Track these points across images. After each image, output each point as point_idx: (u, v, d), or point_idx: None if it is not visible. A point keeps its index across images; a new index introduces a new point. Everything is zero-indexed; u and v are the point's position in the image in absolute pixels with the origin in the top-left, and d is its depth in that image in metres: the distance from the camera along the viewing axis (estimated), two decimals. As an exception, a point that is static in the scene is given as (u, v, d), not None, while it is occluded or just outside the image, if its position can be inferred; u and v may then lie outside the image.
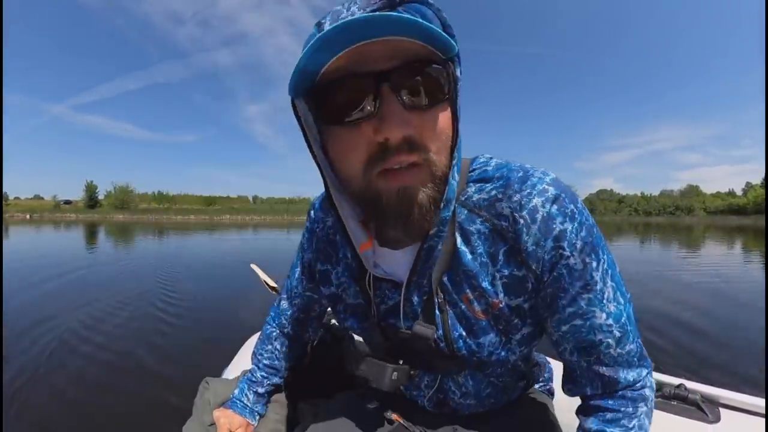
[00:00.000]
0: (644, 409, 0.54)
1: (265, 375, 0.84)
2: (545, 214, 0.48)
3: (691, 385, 1.04)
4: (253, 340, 1.45)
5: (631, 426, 0.53)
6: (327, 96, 0.43)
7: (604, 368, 0.53)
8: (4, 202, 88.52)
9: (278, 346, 0.84)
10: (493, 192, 0.51)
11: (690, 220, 67.33)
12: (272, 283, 1.61)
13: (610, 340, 0.51)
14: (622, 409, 0.53)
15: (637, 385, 0.54)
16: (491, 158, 0.56)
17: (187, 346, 3.27)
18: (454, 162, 0.46)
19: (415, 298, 0.55)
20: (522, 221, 0.48)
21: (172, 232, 21.98)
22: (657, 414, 0.98)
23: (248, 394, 0.84)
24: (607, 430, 0.53)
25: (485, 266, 0.51)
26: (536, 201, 0.48)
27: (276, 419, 1.04)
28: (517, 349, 0.57)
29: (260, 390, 0.84)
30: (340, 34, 0.37)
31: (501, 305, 0.52)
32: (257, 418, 0.84)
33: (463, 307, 0.53)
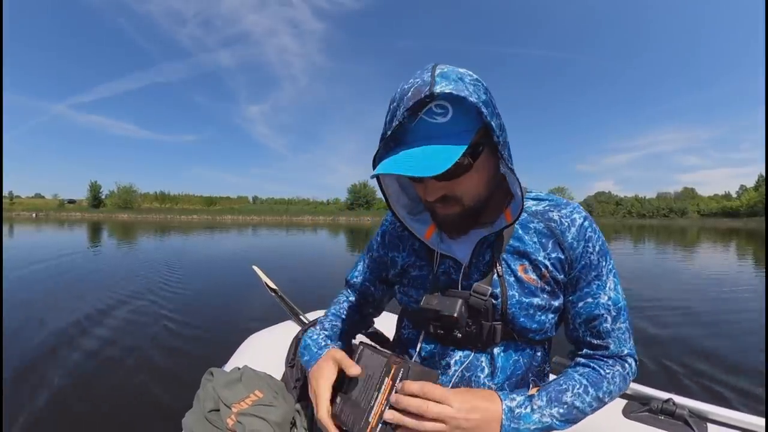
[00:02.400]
0: (619, 369, 0.71)
1: (331, 319, 0.93)
2: (581, 224, 0.71)
3: (679, 399, 1.03)
4: (255, 337, 1.47)
5: (605, 373, 0.70)
6: None
7: (600, 341, 0.72)
8: (10, 201, 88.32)
9: (344, 306, 0.96)
10: (547, 206, 0.74)
11: (683, 222, 67.21)
12: (272, 285, 1.63)
13: (607, 316, 0.71)
14: (604, 363, 0.72)
15: (615, 357, 0.72)
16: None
17: (188, 343, 3.30)
18: (509, 187, 0.68)
19: (475, 274, 0.73)
20: (567, 224, 0.71)
21: (178, 231, 22.06)
22: (644, 428, 0.99)
23: (319, 335, 0.87)
24: (588, 366, 0.72)
25: (538, 249, 0.71)
26: (576, 215, 0.72)
27: (280, 413, 1.08)
28: (552, 317, 0.73)
29: (326, 325, 0.91)
30: (381, 168, 0.60)
31: (548, 276, 0.71)
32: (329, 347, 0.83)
33: (519, 274, 0.71)
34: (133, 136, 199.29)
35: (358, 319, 0.97)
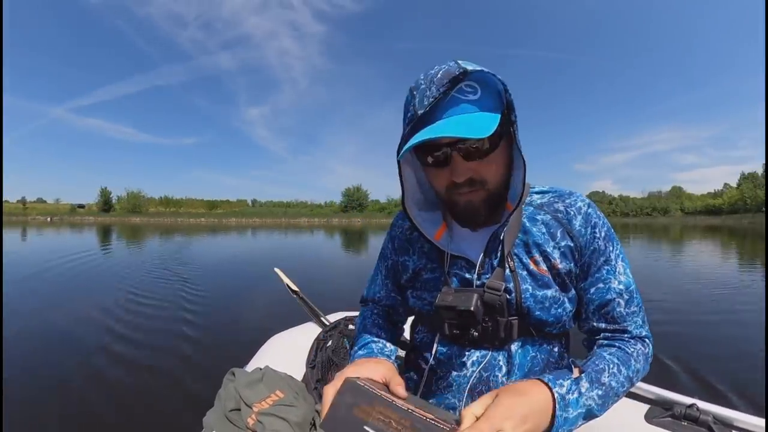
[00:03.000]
0: (641, 348, 0.69)
1: (374, 339, 0.81)
2: (586, 211, 0.71)
3: (703, 405, 0.96)
4: (276, 338, 1.44)
5: (630, 351, 0.68)
6: (425, 151, 0.64)
7: (616, 325, 0.70)
8: (23, 206, 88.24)
9: (376, 324, 0.85)
10: (551, 198, 0.74)
11: (665, 221, 67.34)
12: (294, 287, 1.62)
13: (620, 300, 0.69)
14: (626, 342, 0.69)
15: (633, 338, 0.70)
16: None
17: (209, 344, 3.26)
18: (513, 174, 0.68)
19: (487, 272, 0.70)
20: (573, 212, 0.70)
21: (190, 234, 22.10)
22: None
23: (374, 344, 0.78)
24: (614, 345, 0.69)
25: (548, 240, 0.69)
26: (580, 203, 0.72)
27: (300, 414, 1.05)
28: (568, 309, 0.71)
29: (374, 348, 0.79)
30: (427, 133, 0.58)
31: (559, 266, 0.69)
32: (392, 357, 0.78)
33: (531, 267, 0.69)
34: (132, 139, 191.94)
35: (393, 334, 0.88)
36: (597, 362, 0.64)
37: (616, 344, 0.69)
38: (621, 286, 0.69)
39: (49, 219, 58.52)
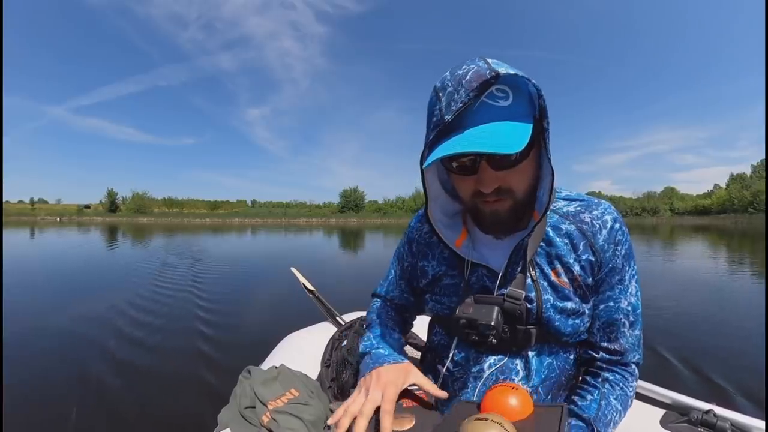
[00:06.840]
0: (634, 384, 0.71)
1: (388, 333, 0.82)
2: (611, 226, 0.67)
3: (721, 411, 0.90)
4: (292, 337, 1.40)
5: (630, 393, 0.69)
6: (452, 159, 0.60)
7: (616, 345, 0.69)
8: (31, 206, 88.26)
9: (393, 314, 0.88)
10: (578, 207, 0.69)
11: (653, 221, 67.22)
12: (310, 286, 1.59)
13: (625, 321, 0.68)
14: (626, 381, 0.70)
15: (630, 365, 0.71)
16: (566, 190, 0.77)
17: (225, 342, 3.22)
18: (541, 182, 0.63)
19: (509, 280, 0.67)
20: (598, 226, 0.67)
21: (198, 233, 22.13)
22: None
23: (397, 342, 0.79)
24: (618, 385, 0.69)
25: (570, 251, 0.67)
26: (607, 216, 0.68)
27: (315, 412, 1.04)
28: (586, 320, 0.69)
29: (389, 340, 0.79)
30: (454, 145, 0.53)
31: (579, 280, 0.66)
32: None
33: (552, 278, 0.66)
34: (133, 139, 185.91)
35: (402, 329, 0.90)
36: (606, 413, 0.66)
37: (621, 384, 0.69)
38: (629, 308, 0.68)
39: (58, 219, 58.51)
